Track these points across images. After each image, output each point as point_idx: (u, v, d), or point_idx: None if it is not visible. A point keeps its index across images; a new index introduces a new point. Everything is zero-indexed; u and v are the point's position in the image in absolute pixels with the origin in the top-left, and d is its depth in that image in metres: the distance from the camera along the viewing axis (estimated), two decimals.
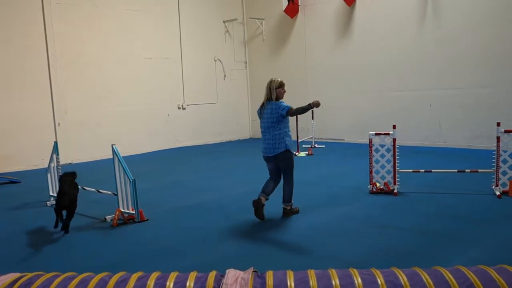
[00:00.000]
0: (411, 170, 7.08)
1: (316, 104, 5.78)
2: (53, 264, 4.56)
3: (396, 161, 6.85)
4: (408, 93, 11.99)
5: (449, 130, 11.38)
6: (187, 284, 2.45)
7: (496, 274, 2.32)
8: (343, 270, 2.51)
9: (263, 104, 6.00)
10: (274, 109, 5.80)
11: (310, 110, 6.39)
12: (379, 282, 2.35)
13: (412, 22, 11.72)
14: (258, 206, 5.83)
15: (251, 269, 2.56)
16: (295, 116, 11.29)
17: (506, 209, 5.86)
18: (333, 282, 2.36)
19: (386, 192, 6.85)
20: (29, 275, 2.61)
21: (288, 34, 14.76)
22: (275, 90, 5.88)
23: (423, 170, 7.07)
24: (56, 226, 5.66)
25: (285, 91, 6.00)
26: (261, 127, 6.08)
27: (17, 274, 2.64)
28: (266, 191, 5.98)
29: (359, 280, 2.37)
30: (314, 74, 14.11)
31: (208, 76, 15.10)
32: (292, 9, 14.16)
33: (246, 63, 16.18)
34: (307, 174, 8.75)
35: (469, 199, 6.39)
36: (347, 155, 11.00)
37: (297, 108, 5.78)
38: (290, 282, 2.40)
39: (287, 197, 6.02)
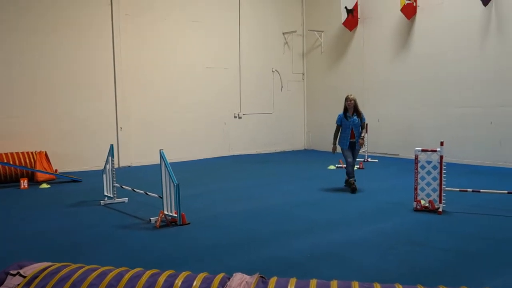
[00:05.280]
0: (458, 189, 6.87)
1: (333, 150, 8.91)
2: (94, 259, 4.87)
3: (443, 179, 6.68)
4: (468, 109, 11.58)
5: (511, 150, 10.85)
6: (194, 283, 2.59)
7: None
8: (345, 281, 2.56)
9: None
10: None
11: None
12: None
13: (474, 37, 11.35)
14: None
15: (256, 274, 2.67)
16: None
17: None
18: None
19: (430, 210, 6.70)
20: (57, 265, 2.86)
21: (346, 46, 14.72)
22: (344, 102, 8.63)
23: (471, 190, 6.84)
24: None
25: (348, 104, 8.51)
26: None
27: (46, 264, 2.90)
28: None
29: None
30: (371, 88, 13.97)
31: (265, 86, 15.36)
32: (351, 22, 14.13)
33: (303, 74, 16.29)
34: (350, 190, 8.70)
35: None
36: (398, 171, 10.80)
37: (334, 135, 8.71)
38: None
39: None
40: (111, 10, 12.27)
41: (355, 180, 8.49)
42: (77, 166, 11.75)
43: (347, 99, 8.56)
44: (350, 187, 8.43)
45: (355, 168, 8.89)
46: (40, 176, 10.17)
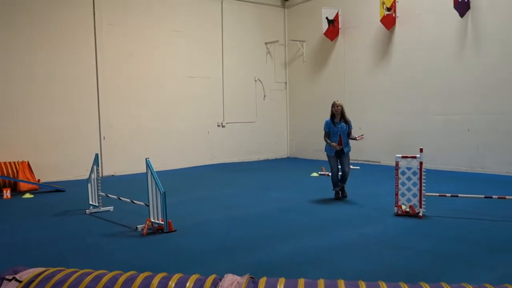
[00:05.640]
0: (437, 194, 7.09)
1: (334, 147, 8.30)
2: (83, 267, 4.90)
3: (423, 184, 6.89)
4: (446, 117, 11.89)
5: (488, 156, 11.17)
6: (187, 284, 2.69)
7: None
8: (331, 280, 2.69)
9: None
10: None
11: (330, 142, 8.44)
12: None
13: (451, 47, 11.68)
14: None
15: (247, 275, 2.79)
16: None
17: None
18: None
19: (411, 215, 6.89)
20: (51, 269, 2.94)
21: (328, 56, 14.99)
22: (331, 109, 8.41)
23: (449, 195, 7.06)
24: None
25: (335, 109, 8.32)
26: None
27: (41, 269, 2.97)
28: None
29: None
30: (352, 96, 14.22)
31: (248, 95, 15.52)
32: (332, 32, 14.41)
33: (286, 83, 16.50)
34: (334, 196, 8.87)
35: (495, 225, 6.35)
36: (380, 177, 11.02)
37: (325, 139, 8.46)
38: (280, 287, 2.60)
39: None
40: (93, 20, 12.31)
41: (339, 189, 8.57)
42: (59, 176, 11.70)
43: (334, 105, 8.36)
44: (335, 195, 8.54)
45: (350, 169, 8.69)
46: (23, 186, 10.11)
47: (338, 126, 8.32)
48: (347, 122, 8.40)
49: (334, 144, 8.27)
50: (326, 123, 8.43)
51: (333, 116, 8.38)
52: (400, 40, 12.89)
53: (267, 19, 15.88)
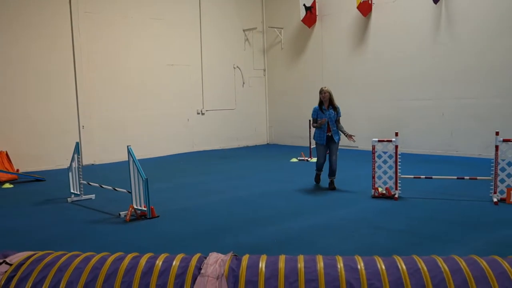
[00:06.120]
0: (412, 176, 7.33)
1: (322, 122, 7.96)
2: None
3: (398, 167, 7.12)
4: (421, 102, 12.18)
5: (461, 139, 11.51)
6: (173, 263, 2.82)
7: (442, 261, 2.62)
8: (311, 255, 2.85)
9: None
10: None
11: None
12: (339, 266, 2.68)
13: (426, 33, 11.94)
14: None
15: (230, 253, 2.92)
16: (310, 122, 11.80)
17: (500, 215, 6.07)
18: (298, 265, 2.70)
19: (387, 196, 7.13)
20: (40, 253, 3.02)
21: (305, 42, 15.12)
22: (319, 95, 8.15)
23: (424, 177, 7.31)
24: None
25: (323, 96, 8.07)
26: None
27: (30, 252, 3.06)
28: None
29: (321, 263, 2.70)
30: (330, 82, 14.34)
31: (227, 83, 15.57)
32: (310, 19, 14.52)
33: (264, 70, 16.59)
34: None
35: (466, 205, 6.63)
36: (357, 162, 11.25)
37: (314, 124, 8.21)
38: (262, 263, 2.75)
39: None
40: (69, 8, 12.15)
41: (321, 172, 8.49)
42: (38, 166, 11.62)
43: (321, 91, 8.06)
44: (315, 178, 8.60)
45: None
46: (1, 176, 10.04)
47: (326, 113, 8.01)
48: (335, 109, 8.09)
49: (323, 119, 7.91)
50: (314, 110, 8.17)
51: (321, 103, 8.10)
52: (376, 27, 13.09)
53: (245, 6, 15.89)
